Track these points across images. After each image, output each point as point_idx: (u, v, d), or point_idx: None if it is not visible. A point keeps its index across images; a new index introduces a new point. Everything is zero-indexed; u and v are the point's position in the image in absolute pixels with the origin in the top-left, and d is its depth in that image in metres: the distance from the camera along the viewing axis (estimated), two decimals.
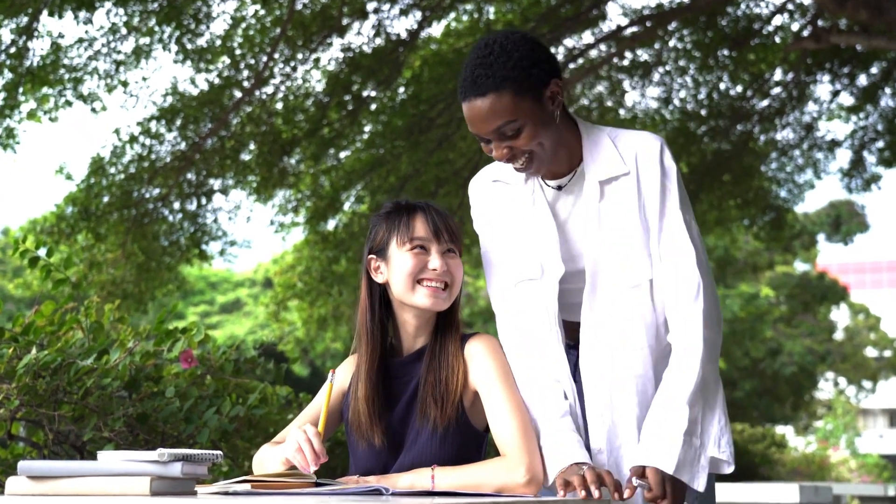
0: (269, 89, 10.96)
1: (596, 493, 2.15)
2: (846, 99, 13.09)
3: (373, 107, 11.35)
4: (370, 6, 10.60)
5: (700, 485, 2.29)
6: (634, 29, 11.28)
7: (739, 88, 12.39)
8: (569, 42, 11.70)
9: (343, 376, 2.61)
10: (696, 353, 2.35)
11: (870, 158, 13.34)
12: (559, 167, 2.52)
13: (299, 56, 10.72)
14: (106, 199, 10.85)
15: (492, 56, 2.36)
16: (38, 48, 9.71)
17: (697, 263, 2.42)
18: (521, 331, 2.54)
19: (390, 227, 2.49)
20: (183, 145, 10.88)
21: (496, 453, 2.37)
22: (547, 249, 2.52)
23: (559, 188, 2.55)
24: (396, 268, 2.47)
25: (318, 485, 2.28)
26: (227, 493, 2.05)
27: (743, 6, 11.51)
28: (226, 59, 10.60)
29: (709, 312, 2.40)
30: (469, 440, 2.42)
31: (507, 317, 2.57)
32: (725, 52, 11.63)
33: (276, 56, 10.58)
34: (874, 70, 12.33)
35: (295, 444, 2.31)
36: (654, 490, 2.22)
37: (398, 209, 2.51)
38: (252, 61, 10.59)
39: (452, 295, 2.49)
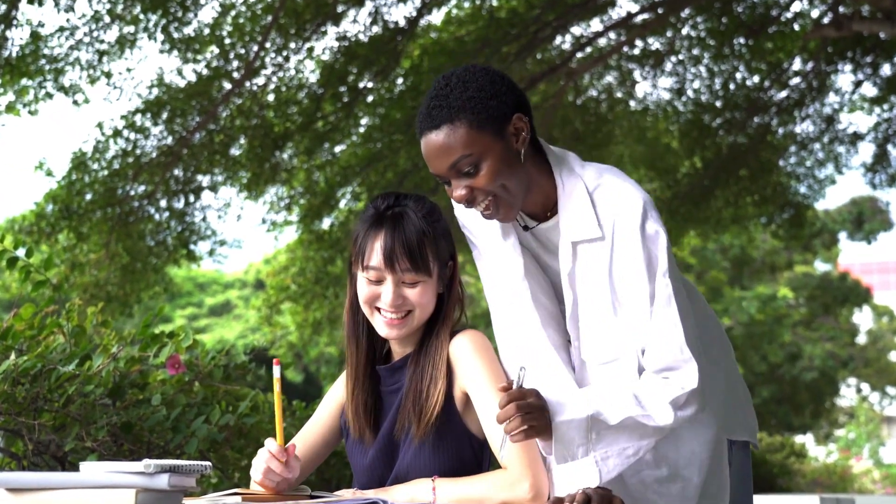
0: (260, 80, 10.96)
1: None
2: (869, 90, 13.09)
3: (370, 98, 11.35)
4: None
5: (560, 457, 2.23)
6: (645, 16, 11.28)
7: (756, 79, 12.39)
8: (576, 30, 11.71)
9: (340, 388, 2.62)
10: (659, 414, 2.26)
11: (894, 152, 13.34)
12: (534, 208, 2.48)
13: (292, 45, 10.72)
14: (88, 196, 10.86)
15: (448, 87, 2.32)
16: (17, 37, 9.73)
17: (686, 342, 2.29)
18: (516, 345, 2.54)
19: (357, 241, 2.47)
20: (169, 140, 10.87)
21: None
22: (515, 286, 2.53)
23: (526, 228, 2.52)
24: (358, 286, 2.48)
25: (312, 497, 2.28)
26: None
27: None
28: (214, 49, 10.60)
29: (693, 393, 2.27)
30: (464, 447, 2.40)
31: (501, 331, 2.58)
32: (741, 41, 11.64)
33: (268, 45, 10.58)
34: None
35: (260, 466, 2.31)
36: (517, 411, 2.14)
37: (372, 220, 2.45)
38: (242, 51, 10.60)
39: (416, 321, 2.46)
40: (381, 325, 2.45)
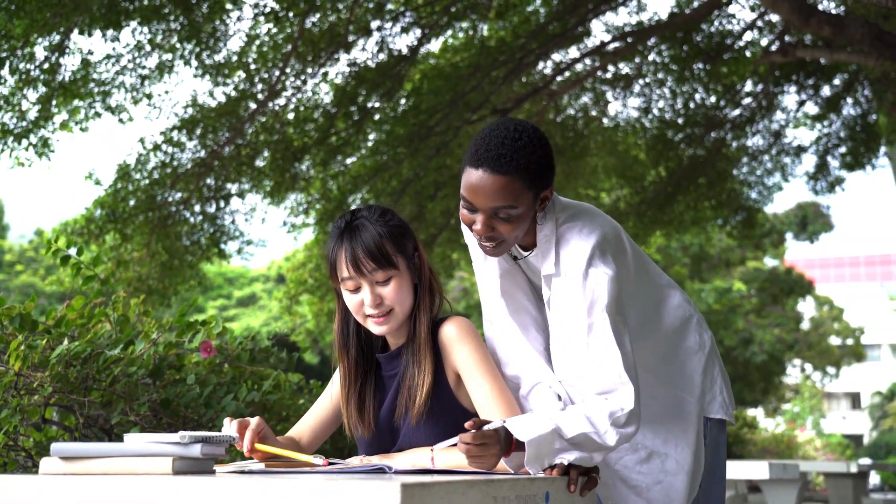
0: (281, 101, 10.95)
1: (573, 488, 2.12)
2: (811, 108, 13.08)
3: (376, 117, 11.34)
4: (374, 24, 10.59)
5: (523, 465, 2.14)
6: (617, 44, 11.28)
7: (713, 99, 12.39)
8: (556, 56, 11.70)
9: (337, 382, 2.63)
10: (606, 434, 2.17)
11: (833, 163, 13.34)
12: (524, 242, 2.49)
13: (309, 70, 10.72)
14: (132, 202, 10.84)
15: (521, 142, 2.24)
16: (70, 64, 9.71)
17: (624, 367, 2.22)
18: (505, 340, 2.55)
19: (329, 258, 2.46)
20: (202, 153, 10.86)
21: None
22: (494, 301, 2.54)
23: (515, 258, 2.52)
24: (345, 300, 2.47)
25: (330, 464, 2.28)
26: (243, 472, 2.05)
27: (716, 23, 11.52)
28: (241, 74, 10.60)
29: (632, 413, 2.19)
30: (458, 421, 2.38)
31: (490, 327, 2.59)
32: (700, 66, 11.63)
33: (288, 70, 10.58)
34: (837, 81, 12.34)
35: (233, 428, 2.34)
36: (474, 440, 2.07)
37: (336, 237, 2.44)
38: (265, 75, 10.59)
39: (398, 315, 2.45)
40: (372, 325, 2.45)
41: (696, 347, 2.61)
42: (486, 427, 2.07)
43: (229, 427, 2.34)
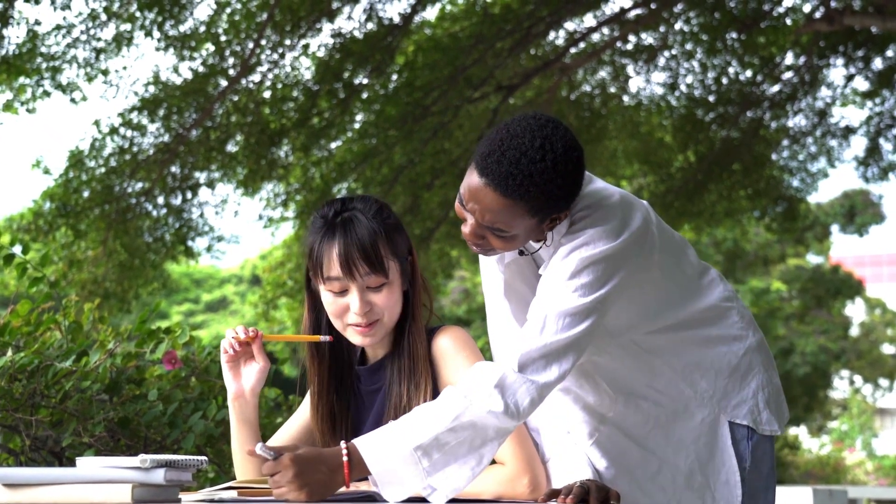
0: (255, 77, 10.95)
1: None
2: (861, 84, 13.09)
3: (365, 95, 11.34)
4: None
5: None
6: (638, 11, 11.29)
7: (749, 73, 12.40)
8: (570, 25, 11.72)
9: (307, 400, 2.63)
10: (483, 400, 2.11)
11: (886, 146, 13.35)
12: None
13: (287, 42, 10.72)
14: (86, 193, 10.84)
15: (541, 165, 2.15)
16: (14, 36, 9.71)
17: (556, 313, 2.20)
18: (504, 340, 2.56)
19: (313, 253, 2.42)
20: (166, 137, 10.86)
21: None
22: (498, 300, 2.54)
23: (521, 253, 2.51)
24: (324, 302, 2.44)
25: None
26: (212, 501, 2.05)
27: None
28: (210, 46, 10.60)
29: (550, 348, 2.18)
30: None
31: (495, 331, 2.59)
32: (734, 35, 11.64)
33: (263, 42, 10.58)
34: (890, 53, 12.34)
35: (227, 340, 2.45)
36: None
37: (324, 228, 2.41)
38: (238, 48, 10.58)
39: (385, 325, 2.43)
40: (353, 334, 2.42)
41: (730, 342, 2.58)
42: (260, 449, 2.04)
43: (232, 330, 2.44)
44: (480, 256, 2.57)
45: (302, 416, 2.63)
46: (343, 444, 2.06)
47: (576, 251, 2.24)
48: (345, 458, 2.04)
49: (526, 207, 2.19)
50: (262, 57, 10.75)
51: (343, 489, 2.30)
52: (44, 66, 9.98)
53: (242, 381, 2.48)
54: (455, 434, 2.07)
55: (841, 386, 32.79)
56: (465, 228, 2.29)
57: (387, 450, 2.05)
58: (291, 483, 2.00)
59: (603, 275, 2.23)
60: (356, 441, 2.07)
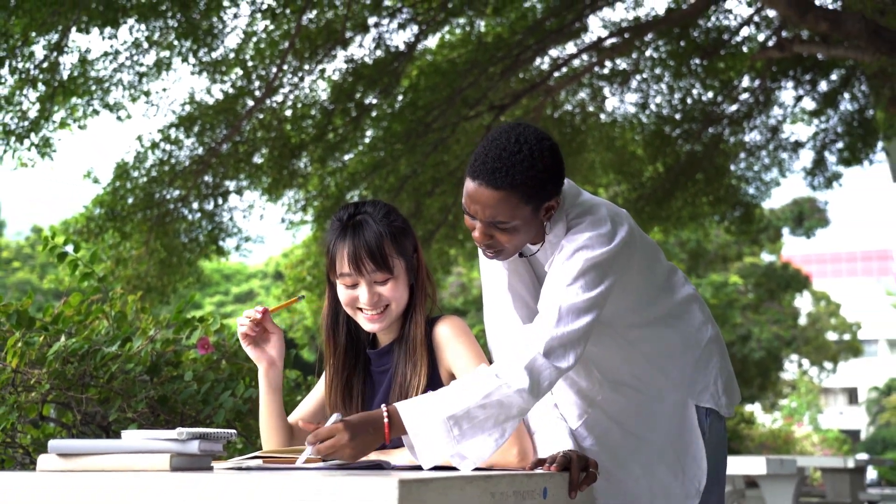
0: (278, 98, 10.94)
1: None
2: (808, 103, 13.09)
3: (374, 113, 11.34)
4: (371, 21, 10.59)
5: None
6: (614, 40, 11.27)
7: (710, 94, 12.39)
8: (553, 52, 11.70)
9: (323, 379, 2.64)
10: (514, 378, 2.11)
11: (830, 158, 13.36)
12: (532, 240, 2.45)
13: (306, 67, 10.71)
14: (130, 200, 10.84)
15: (520, 155, 2.20)
16: (68, 62, 9.70)
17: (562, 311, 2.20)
18: (502, 337, 2.55)
19: (329, 251, 2.46)
20: (200, 150, 10.85)
21: None
22: (500, 295, 2.53)
23: (521, 255, 2.51)
24: (339, 293, 2.48)
25: (325, 460, 2.27)
26: (240, 469, 2.05)
27: (713, 19, 11.52)
28: (238, 71, 10.59)
29: (563, 338, 2.18)
30: None
31: (493, 322, 2.58)
32: (697, 61, 11.63)
33: (285, 67, 10.57)
34: (834, 77, 12.35)
35: (243, 325, 2.53)
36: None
37: (338, 231, 2.44)
38: (263, 72, 10.58)
39: (393, 313, 2.45)
40: (364, 321, 2.46)
41: (694, 334, 2.58)
42: (331, 421, 2.03)
43: (245, 317, 2.55)
44: (483, 262, 2.57)
45: (317, 394, 2.65)
46: (384, 406, 2.07)
47: (578, 252, 2.25)
48: (385, 420, 2.04)
49: (518, 195, 2.21)
50: (284, 80, 10.74)
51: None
52: (93, 88, 9.96)
53: (269, 352, 2.55)
54: (484, 410, 2.07)
55: (791, 368, 32.82)
56: (476, 234, 2.30)
57: (423, 415, 2.05)
58: (348, 443, 1.99)
59: (602, 274, 2.25)
60: (397, 405, 2.08)
